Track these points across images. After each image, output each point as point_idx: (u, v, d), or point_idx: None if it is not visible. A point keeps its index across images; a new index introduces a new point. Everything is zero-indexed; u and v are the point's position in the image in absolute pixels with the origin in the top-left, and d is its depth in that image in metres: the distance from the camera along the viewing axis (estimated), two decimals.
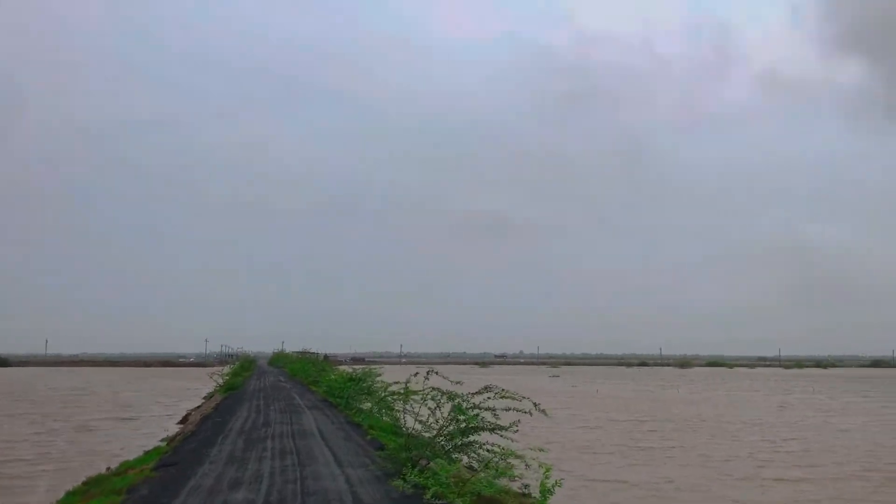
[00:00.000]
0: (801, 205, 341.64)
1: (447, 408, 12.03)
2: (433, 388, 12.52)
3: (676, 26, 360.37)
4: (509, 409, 11.62)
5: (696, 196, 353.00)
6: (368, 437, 16.61)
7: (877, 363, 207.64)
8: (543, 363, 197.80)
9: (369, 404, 22.32)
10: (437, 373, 13.30)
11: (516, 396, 11.89)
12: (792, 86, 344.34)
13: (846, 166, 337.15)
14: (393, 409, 19.39)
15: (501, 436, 11.60)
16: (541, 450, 11.18)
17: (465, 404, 11.72)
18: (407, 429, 13.22)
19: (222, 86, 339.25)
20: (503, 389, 12.01)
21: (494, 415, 11.75)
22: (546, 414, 11.95)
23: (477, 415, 11.68)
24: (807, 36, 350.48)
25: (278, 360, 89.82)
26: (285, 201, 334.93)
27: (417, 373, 13.62)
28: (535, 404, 11.72)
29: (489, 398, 11.93)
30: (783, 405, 47.08)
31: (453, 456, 11.83)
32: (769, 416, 38.35)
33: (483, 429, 11.59)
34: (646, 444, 26.14)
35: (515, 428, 11.60)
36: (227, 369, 47.94)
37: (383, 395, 20.85)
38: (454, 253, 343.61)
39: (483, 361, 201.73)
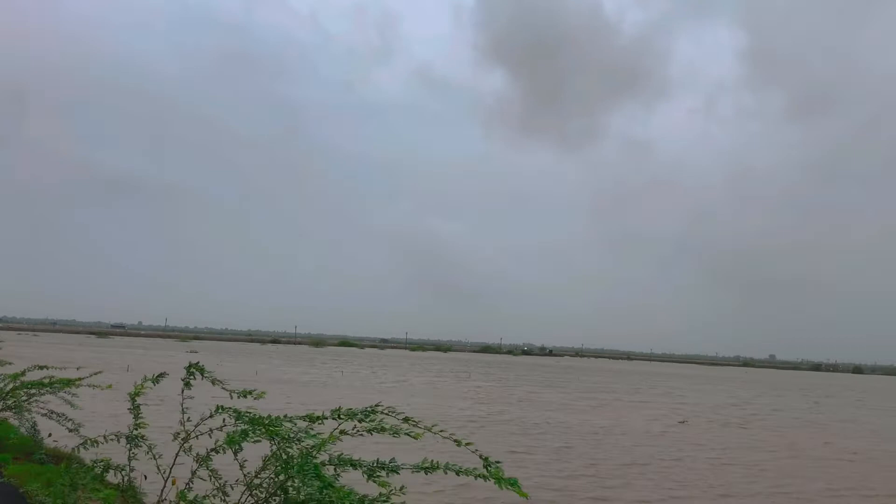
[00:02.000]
0: (427, 199, 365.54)
1: (255, 452, 4.92)
2: (226, 409, 5.24)
3: (345, 2, 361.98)
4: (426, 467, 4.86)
5: (338, 177, 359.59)
6: None
7: (486, 349, 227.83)
8: (170, 336, 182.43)
9: None
10: (204, 374, 5.89)
11: (424, 427, 5.13)
12: (442, 84, 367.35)
13: (475, 170, 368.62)
14: (27, 411, 11.41)
15: None
16: None
17: (305, 444, 4.77)
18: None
19: None
20: (408, 418, 5.11)
21: (371, 473, 4.88)
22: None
23: (337, 478, 4.80)
24: (463, 39, 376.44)
25: None
26: None
27: (163, 374, 6.06)
28: (486, 465, 4.94)
29: (356, 431, 5.09)
30: (472, 393, 44.42)
31: None
32: (480, 409, 34.70)
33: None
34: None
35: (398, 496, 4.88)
36: None
37: (12, 386, 11.99)
38: (68, 208, 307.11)
39: (100, 331, 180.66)
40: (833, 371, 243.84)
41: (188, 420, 5.44)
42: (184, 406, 5.45)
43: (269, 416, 5.06)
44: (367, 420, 4.93)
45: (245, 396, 5.57)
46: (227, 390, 5.49)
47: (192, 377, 5.58)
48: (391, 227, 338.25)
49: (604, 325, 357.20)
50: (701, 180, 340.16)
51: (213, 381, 5.55)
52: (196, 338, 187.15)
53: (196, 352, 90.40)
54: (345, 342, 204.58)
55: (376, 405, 4.95)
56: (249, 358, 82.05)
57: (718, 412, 40.70)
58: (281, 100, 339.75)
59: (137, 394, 5.67)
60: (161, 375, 5.91)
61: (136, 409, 5.62)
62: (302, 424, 5.05)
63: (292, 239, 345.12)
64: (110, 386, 10.30)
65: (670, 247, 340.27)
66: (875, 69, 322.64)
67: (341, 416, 5.00)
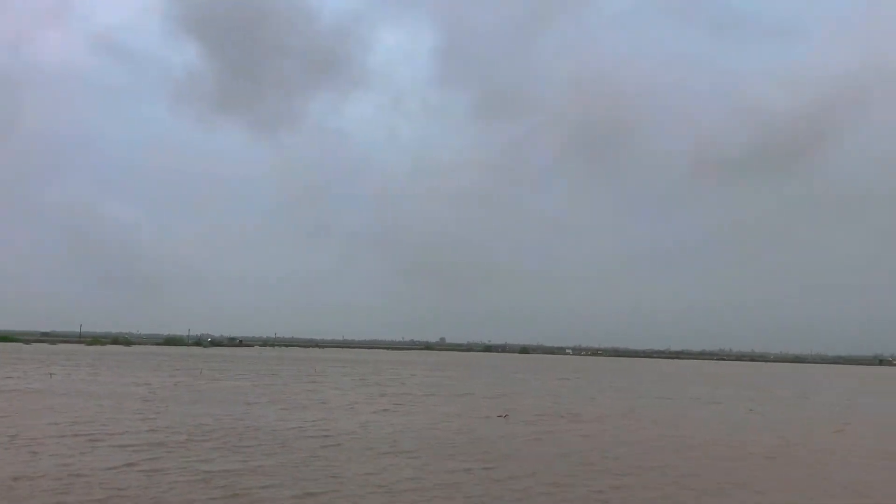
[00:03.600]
0: (102, 179, 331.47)
1: None
2: None
3: None
4: None
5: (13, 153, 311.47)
6: None
7: (169, 341, 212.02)
8: None
9: None
10: None
11: None
12: (126, 54, 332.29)
13: (160, 149, 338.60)
14: None
15: None
16: None
17: None
18: None
19: None
20: None
21: None
22: None
23: None
24: (153, 7, 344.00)
25: None
26: None
27: None
28: None
29: None
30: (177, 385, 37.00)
31: None
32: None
33: None
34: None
35: None
36: None
37: None
38: None
39: None
40: (503, 352, 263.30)
41: None
42: None
43: None
44: None
45: None
46: None
47: None
48: (58, 209, 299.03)
49: (294, 313, 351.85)
50: (390, 172, 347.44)
51: None
52: None
53: None
54: (3, 336, 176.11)
55: None
56: None
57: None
58: None
59: None
60: None
61: None
62: None
63: None
64: None
65: (360, 237, 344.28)
66: (548, 76, 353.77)
67: None
